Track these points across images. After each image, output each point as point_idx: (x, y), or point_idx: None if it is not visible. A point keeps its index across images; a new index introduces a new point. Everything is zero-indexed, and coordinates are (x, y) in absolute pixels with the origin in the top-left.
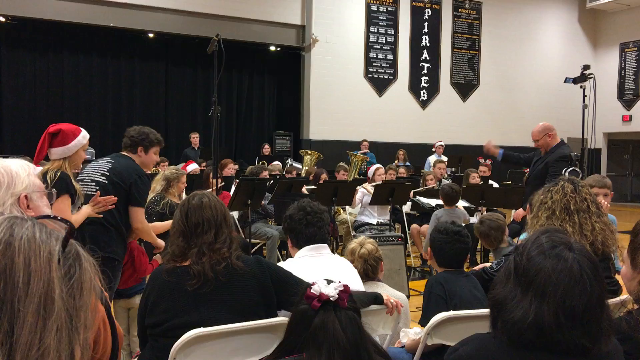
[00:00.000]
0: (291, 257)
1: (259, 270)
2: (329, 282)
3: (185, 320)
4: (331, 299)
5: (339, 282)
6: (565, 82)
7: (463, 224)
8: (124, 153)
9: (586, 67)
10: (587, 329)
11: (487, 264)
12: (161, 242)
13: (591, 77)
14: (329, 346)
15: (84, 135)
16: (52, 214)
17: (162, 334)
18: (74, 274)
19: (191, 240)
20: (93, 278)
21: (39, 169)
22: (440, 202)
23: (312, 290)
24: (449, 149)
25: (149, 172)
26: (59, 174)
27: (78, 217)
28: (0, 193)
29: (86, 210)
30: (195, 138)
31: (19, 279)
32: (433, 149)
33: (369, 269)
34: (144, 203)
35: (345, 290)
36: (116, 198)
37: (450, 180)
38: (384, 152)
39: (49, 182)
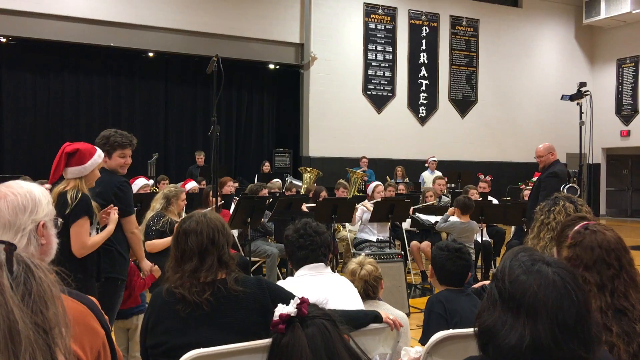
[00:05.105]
0: (292, 275)
1: (259, 291)
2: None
3: (185, 341)
4: (292, 314)
5: (298, 298)
6: (561, 99)
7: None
8: None
9: (582, 84)
10: (581, 339)
11: (487, 282)
12: (147, 264)
13: (587, 94)
14: None
15: (99, 154)
16: None
17: (163, 355)
18: (31, 289)
19: (178, 266)
20: (50, 284)
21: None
22: (439, 218)
23: (273, 318)
24: (448, 165)
25: (123, 175)
26: (79, 195)
27: (97, 238)
28: (23, 217)
29: (109, 228)
30: (200, 159)
31: None
32: (426, 164)
33: (369, 289)
34: (132, 210)
35: (302, 301)
36: (116, 208)
37: (450, 197)
38: (383, 168)
39: (69, 202)
